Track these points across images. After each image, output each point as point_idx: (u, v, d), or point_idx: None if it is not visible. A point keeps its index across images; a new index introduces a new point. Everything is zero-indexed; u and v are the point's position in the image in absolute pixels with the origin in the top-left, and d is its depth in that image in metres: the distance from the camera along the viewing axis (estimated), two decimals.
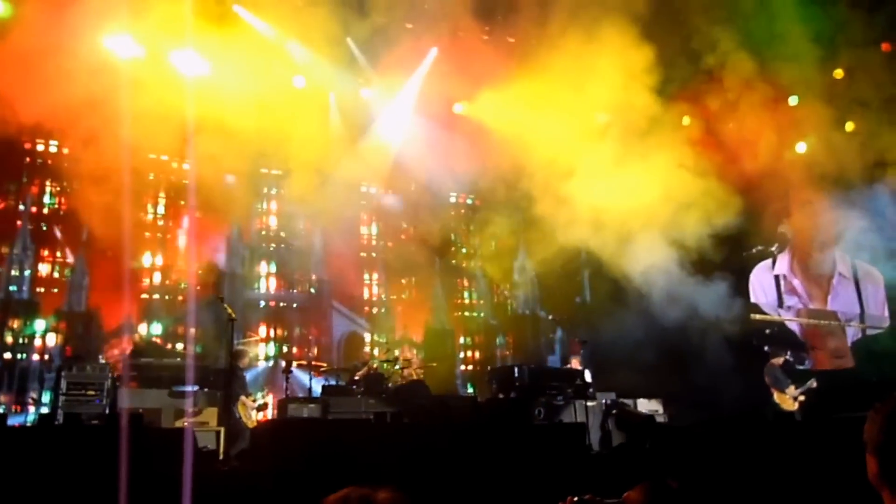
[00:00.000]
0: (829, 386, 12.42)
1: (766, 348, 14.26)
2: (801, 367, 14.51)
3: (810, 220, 15.83)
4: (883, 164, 14.07)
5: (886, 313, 16.12)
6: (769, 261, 15.98)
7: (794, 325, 15.96)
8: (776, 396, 12.44)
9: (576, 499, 2.46)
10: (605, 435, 11.16)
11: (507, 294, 17.15)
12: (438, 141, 14.38)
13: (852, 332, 16.03)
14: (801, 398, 12.19)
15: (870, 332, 15.96)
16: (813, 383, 12.31)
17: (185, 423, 9.31)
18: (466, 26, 12.75)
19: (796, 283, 16.09)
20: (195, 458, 7.83)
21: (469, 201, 17.18)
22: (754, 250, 15.48)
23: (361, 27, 13.03)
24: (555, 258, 15.46)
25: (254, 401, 10.83)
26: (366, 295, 16.05)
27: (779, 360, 12.87)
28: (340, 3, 12.17)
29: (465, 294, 17.14)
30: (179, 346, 13.63)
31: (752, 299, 15.80)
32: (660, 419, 11.14)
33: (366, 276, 16.10)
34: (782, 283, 16.01)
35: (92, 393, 9.46)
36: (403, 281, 16.28)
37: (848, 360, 15.31)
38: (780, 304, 15.89)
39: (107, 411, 9.31)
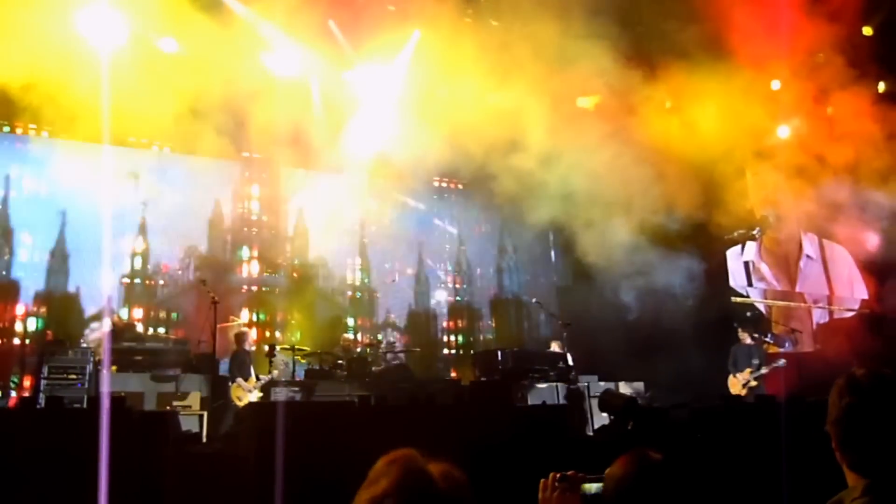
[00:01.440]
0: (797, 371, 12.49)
1: (735, 325, 14.43)
2: (774, 349, 14.61)
3: (778, 201, 15.96)
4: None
5: (858, 294, 16.23)
6: (738, 247, 16.02)
7: (763, 307, 16.08)
8: (729, 380, 12.27)
9: (559, 475, 2.47)
10: (587, 417, 11.25)
11: (491, 278, 17.19)
12: (423, 123, 14.36)
13: (818, 314, 16.16)
14: (753, 383, 11.93)
15: (839, 314, 16.11)
16: (764, 370, 12.03)
17: (170, 407, 9.28)
18: (449, 8, 12.65)
19: (764, 268, 16.20)
20: (178, 441, 7.83)
21: (451, 185, 17.15)
22: (736, 233, 15.55)
23: (343, 9, 12.93)
24: (533, 243, 15.56)
25: (255, 382, 10.80)
26: (349, 279, 16.02)
27: (745, 339, 12.65)
28: None
29: (449, 279, 17.14)
30: (161, 330, 13.59)
31: (731, 280, 15.93)
32: (642, 402, 11.23)
33: (349, 261, 16.06)
34: (751, 268, 16.11)
35: (74, 377, 9.40)
36: (387, 265, 16.26)
37: (804, 346, 15.37)
38: (749, 283, 15.99)
39: (88, 395, 9.26)
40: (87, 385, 9.48)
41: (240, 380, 10.58)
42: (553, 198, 13.69)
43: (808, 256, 16.33)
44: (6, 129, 13.47)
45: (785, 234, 16.32)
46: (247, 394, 10.50)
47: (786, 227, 16.25)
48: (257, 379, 10.74)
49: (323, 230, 15.08)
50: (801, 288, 16.21)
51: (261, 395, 10.57)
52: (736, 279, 15.90)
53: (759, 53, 13.43)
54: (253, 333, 14.57)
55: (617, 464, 2.33)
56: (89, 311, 12.96)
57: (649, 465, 2.26)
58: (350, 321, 15.53)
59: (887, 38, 14.42)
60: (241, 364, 10.83)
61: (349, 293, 15.96)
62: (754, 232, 15.83)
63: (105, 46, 11.56)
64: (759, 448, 7.74)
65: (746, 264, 15.99)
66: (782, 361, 12.39)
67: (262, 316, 14.90)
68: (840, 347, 13.35)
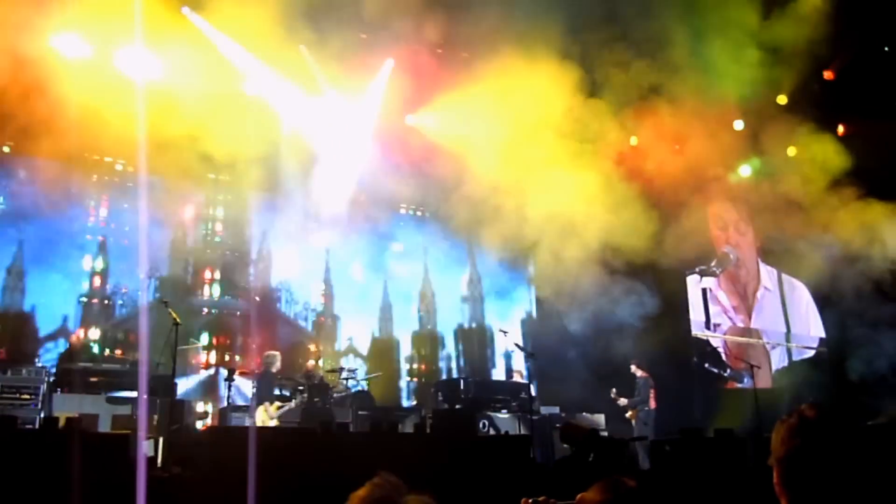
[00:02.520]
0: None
1: (706, 365, 14.58)
2: (732, 384, 14.78)
3: (738, 241, 16.27)
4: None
5: (815, 331, 16.50)
6: (697, 276, 16.24)
7: (719, 342, 16.24)
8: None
9: (530, 501, 2.48)
10: (548, 447, 11.27)
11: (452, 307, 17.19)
12: (391, 152, 14.43)
13: (779, 355, 16.34)
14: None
15: (797, 354, 16.34)
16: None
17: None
18: (421, 39, 12.78)
19: (721, 296, 16.40)
20: (133, 464, 7.66)
21: (418, 213, 17.17)
22: (697, 269, 15.79)
23: (315, 37, 12.98)
24: (500, 272, 15.64)
25: (277, 408, 10.74)
26: (312, 304, 15.90)
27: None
28: (293, 13, 12.07)
29: (412, 306, 17.09)
30: (118, 351, 13.32)
31: (691, 316, 16.09)
32: (602, 433, 11.28)
33: (312, 286, 15.95)
34: (708, 296, 16.29)
35: (27, 397, 9.17)
36: (351, 291, 16.17)
37: (763, 381, 15.57)
38: (707, 317, 16.16)
39: (42, 415, 9.03)
40: (40, 405, 9.25)
41: (266, 403, 10.57)
42: (513, 229, 13.84)
43: (765, 288, 16.60)
44: None
45: (744, 269, 16.61)
46: (269, 419, 10.48)
47: (746, 261, 16.53)
48: (279, 406, 10.79)
49: (286, 254, 14.97)
50: (756, 319, 16.43)
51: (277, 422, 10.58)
52: (694, 308, 16.05)
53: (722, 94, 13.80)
54: (212, 357, 14.40)
55: (592, 490, 2.35)
56: (45, 330, 12.68)
57: (625, 492, 2.29)
58: (312, 347, 15.38)
59: (846, 83, 14.89)
60: (268, 387, 10.78)
61: (312, 318, 15.82)
62: (715, 268, 16.08)
63: (72, 62, 11.48)
64: (716, 481, 7.82)
65: (705, 291, 16.17)
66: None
67: (222, 339, 14.70)
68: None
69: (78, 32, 11.75)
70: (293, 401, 11.03)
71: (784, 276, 16.58)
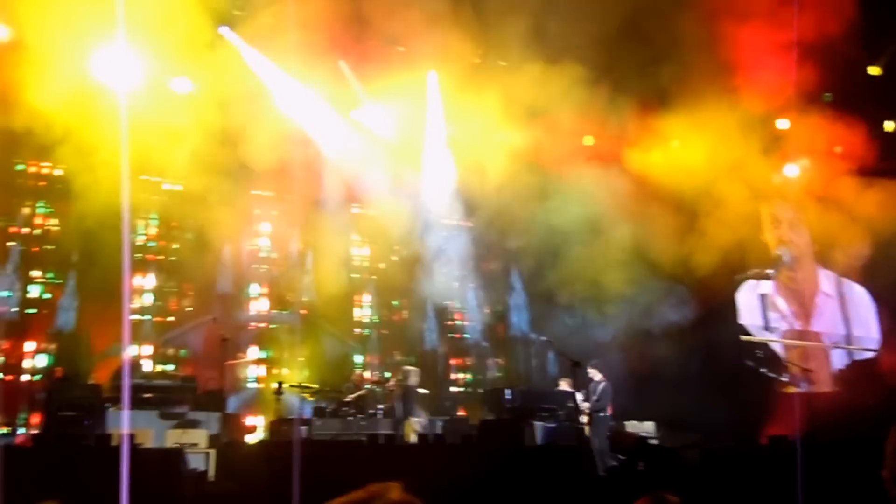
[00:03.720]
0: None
1: (760, 370, 14.30)
2: (791, 388, 14.46)
3: (793, 239, 15.93)
4: None
5: (875, 334, 16.11)
6: (754, 281, 15.94)
7: (778, 346, 15.89)
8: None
9: None
10: (598, 457, 11.15)
11: (499, 315, 17.14)
12: (428, 162, 14.53)
13: (841, 357, 15.96)
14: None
15: (859, 355, 15.93)
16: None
17: (178, 445, 9.22)
18: (459, 49, 12.83)
19: (780, 301, 16.07)
20: (185, 479, 7.80)
21: (459, 223, 17.19)
22: (749, 273, 15.52)
23: (353, 50, 13.13)
24: (545, 279, 15.56)
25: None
26: (357, 316, 16.00)
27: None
28: (331, 26, 12.22)
29: (456, 316, 17.10)
30: (170, 367, 13.56)
31: (741, 320, 15.80)
32: (652, 442, 11.14)
33: (357, 298, 16.06)
34: (766, 301, 15.97)
35: (82, 414, 9.39)
36: (395, 303, 16.24)
37: (823, 385, 15.22)
38: (766, 323, 15.84)
39: (96, 432, 9.22)
40: (95, 422, 9.45)
41: (412, 417, 10.71)
42: (556, 236, 13.84)
43: (825, 293, 16.22)
44: (21, 166, 13.57)
45: (801, 270, 16.25)
46: (414, 433, 10.65)
47: (802, 264, 16.17)
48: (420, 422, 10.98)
49: (331, 267, 15.09)
50: (816, 324, 16.06)
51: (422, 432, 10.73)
52: (752, 314, 15.74)
53: (766, 92, 13.57)
54: (262, 371, 14.57)
55: None
56: (98, 348, 12.96)
57: None
58: (358, 359, 15.47)
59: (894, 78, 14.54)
60: (409, 401, 11.08)
61: (357, 330, 15.93)
62: (768, 271, 15.77)
63: (120, 87, 11.77)
64: (772, 489, 7.66)
65: (762, 297, 15.85)
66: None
67: (270, 353, 14.86)
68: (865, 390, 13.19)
69: (121, 56, 12.04)
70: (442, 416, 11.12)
71: (843, 279, 16.20)
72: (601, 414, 11.68)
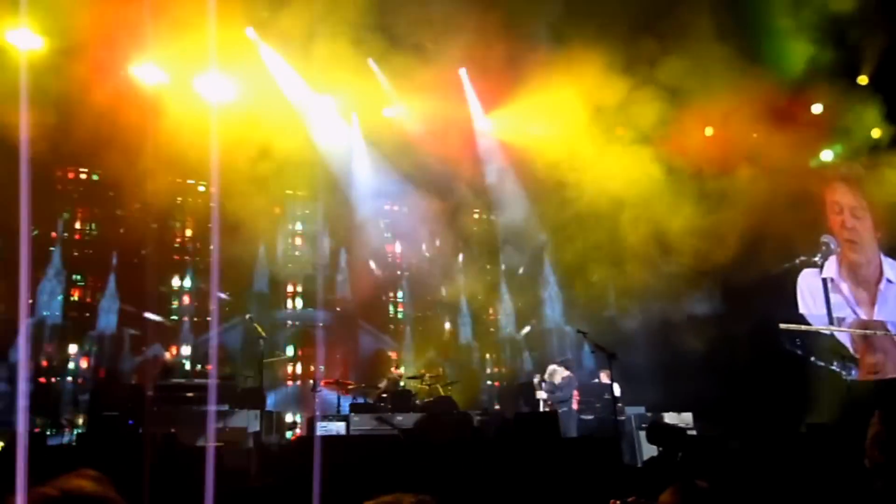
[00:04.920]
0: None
1: (798, 352, 14.10)
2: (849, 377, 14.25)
3: (855, 225, 15.62)
4: None
5: None
6: (814, 269, 15.67)
7: (843, 335, 15.58)
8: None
9: (619, 502, 2.50)
10: (635, 449, 11.10)
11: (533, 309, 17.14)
12: (461, 157, 14.54)
13: None
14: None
15: None
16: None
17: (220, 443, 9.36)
18: (487, 45, 12.80)
19: (844, 286, 15.76)
20: (227, 476, 7.91)
21: (491, 218, 17.20)
22: (797, 261, 15.28)
23: (380, 47, 13.16)
24: (580, 273, 15.51)
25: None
26: (391, 313, 16.10)
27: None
28: (358, 25, 12.26)
29: (490, 310, 17.14)
30: (209, 366, 13.77)
31: (801, 305, 15.47)
32: (691, 433, 11.04)
33: (391, 294, 16.16)
34: (830, 286, 15.67)
35: (126, 414, 9.55)
36: (429, 298, 16.31)
37: (889, 373, 14.95)
38: (829, 308, 15.53)
39: (140, 431, 9.38)
40: (138, 422, 9.61)
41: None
42: (593, 229, 13.77)
43: (888, 280, 15.92)
44: (59, 173, 13.85)
45: (864, 256, 15.95)
46: None
47: (865, 250, 15.88)
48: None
49: (365, 264, 15.21)
50: (880, 311, 15.72)
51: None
52: (814, 298, 15.47)
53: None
54: (297, 368, 14.73)
55: (667, 492, 2.35)
56: (140, 349, 13.22)
57: (696, 494, 2.28)
58: (393, 355, 15.57)
59: None
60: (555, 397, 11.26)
61: (392, 326, 16.03)
62: (815, 258, 15.52)
63: (153, 93, 11.96)
64: (808, 477, 7.57)
65: (825, 281, 15.59)
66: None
67: (306, 351, 15.03)
68: None
69: (157, 62, 12.22)
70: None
71: None
72: (565, 408, 11.65)
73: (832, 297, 15.51)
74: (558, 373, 12.32)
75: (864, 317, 15.61)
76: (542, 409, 11.70)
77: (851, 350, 15.04)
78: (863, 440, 7.67)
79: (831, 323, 15.29)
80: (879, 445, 1.95)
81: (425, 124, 14.11)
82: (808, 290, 15.49)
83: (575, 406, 12.05)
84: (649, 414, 12.09)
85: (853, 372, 14.53)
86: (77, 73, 10.82)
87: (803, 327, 15.26)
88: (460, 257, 15.75)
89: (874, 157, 14.37)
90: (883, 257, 15.86)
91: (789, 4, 13.02)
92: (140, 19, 11.25)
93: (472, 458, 7.35)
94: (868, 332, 15.38)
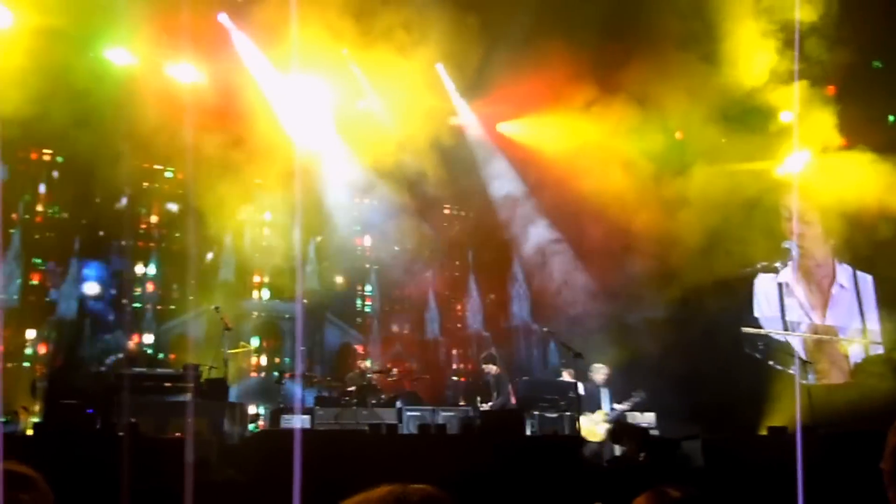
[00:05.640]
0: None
1: (757, 356, 14.31)
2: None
3: (804, 230, 15.88)
4: None
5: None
6: (769, 273, 15.91)
7: (796, 339, 15.85)
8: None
9: None
10: (599, 448, 11.16)
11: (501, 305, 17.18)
12: (432, 152, 14.52)
13: (855, 351, 15.92)
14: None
15: (873, 350, 15.91)
16: (625, 406, 11.03)
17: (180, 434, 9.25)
18: (463, 39, 12.78)
19: (798, 290, 16.05)
20: (188, 468, 7.80)
21: (459, 212, 17.21)
22: (759, 265, 15.50)
23: (357, 39, 13.08)
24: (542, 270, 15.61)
25: (605, 414, 10.87)
26: (359, 306, 16.03)
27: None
28: (335, 16, 12.16)
29: (458, 305, 17.15)
30: (172, 356, 13.58)
31: (756, 310, 15.74)
32: (653, 433, 11.14)
33: (359, 288, 16.08)
34: (784, 290, 15.95)
35: (85, 402, 9.37)
36: (397, 292, 16.27)
37: (834, 377, 15.24)
38: (783, 311, 15.81)
39: (100, 421, 9.22)
40: (98, 411, 9.44)
41: (587, 412, 10.71)
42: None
43: (840, 285, 16.22)
44: (22, 154, 13.54)
45: (814, 261, 16.22)
46: (594, 425, 10.61)
47: (817, 256, 16.15)
48: (608, 412, 10.90)
49: (333, 257, 15.11)
50: (831, 316, 16.06)
51: (609, 426, 10.65)
52: (769, 302, 15.72)
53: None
54: (262, 360, 14.59)
55: (637, 501, 2.33)
56: (100, 336, 12.99)
57: (669, 502, 2.26)
58: (359, 348, 15.50)
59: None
60: (590, 397, 11.13)
61: (359, 319, 15.96)
62: (776, 264, 15.75)
63: (122, 75, 11.74)
64: (772, 480, 7.67)
65: (780, 286, 15.84)
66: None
67: (272, 342, 14.89)
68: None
69: (126, 44, 12.00)
70: (623, 403, 11.04)
71: (859, 273, 16.20)
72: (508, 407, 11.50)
73: (786, 300, 15.79)
74: (490, 369, 12.20)
75: (816, 321, 15.93)
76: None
77: (803, 354, 15.32)
78: (824, 444, 7.77)
79: (785, 327, 15.57)
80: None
81: (398, 117, 14.06)
82: (764, 294, 15.76)
83: (513, 401, 11.84)
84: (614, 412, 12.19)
85: (810, 376, 14.78)
86: (47, 53, 10.60)
87: (763, 331, 15.50)
88: (429, 252, 15.70)
89: (832, 164, 14.61)
90: (837, 263, 16.17)
91: (756, 11, 13.17)
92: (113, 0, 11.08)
93: (440, 455, 7.33)
94: (823, 336, 15.69)
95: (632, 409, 11.09)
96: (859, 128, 14.00)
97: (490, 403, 11.62)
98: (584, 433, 10.28)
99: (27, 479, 2.01)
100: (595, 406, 11.23)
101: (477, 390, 12.83)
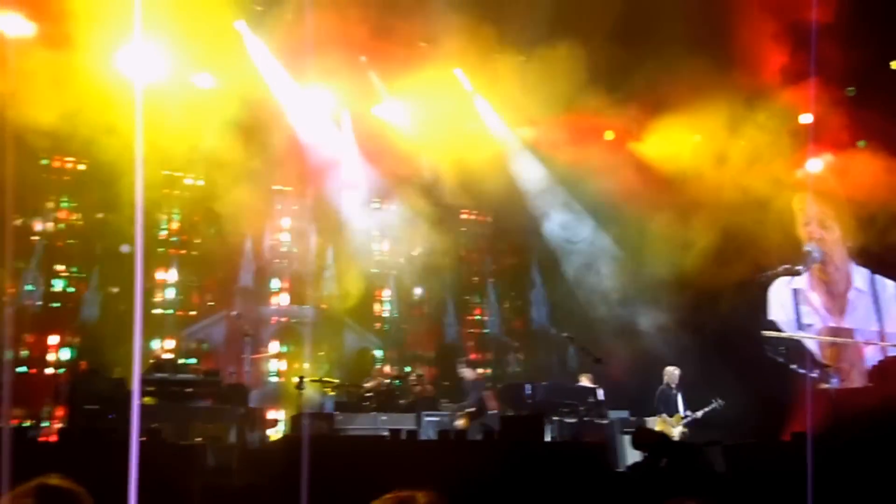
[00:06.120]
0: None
1: (790, 366, 14.17)
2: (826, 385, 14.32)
3: (823, 236, 15.73)
4: None
5: None
6: (786, 278, 15.78)
7: (812, 343, 15.70)
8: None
9: None
10: (618, 454, 11.12)
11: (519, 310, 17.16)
12: (448, 157, 14.53)
13: (873, 353, 15.75)
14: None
15: (892, 351, 15.72)
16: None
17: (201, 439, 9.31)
18: (479, 45, 12.77)
19: (813, 296, 15.90)
20: (210, 474, 7.86)
21: (478, 218, 17.20)
22: (781, 268, 15.38)
23: (374, 44, 13.12)
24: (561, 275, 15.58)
25: (681, 419, 10.88)
26: (377, 311, 16.06)
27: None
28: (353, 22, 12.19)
29: (476, 310, 17.14)
30: (192, 361, 13.66)
31: (771, 315, 15.64)
32: (675, 438, 11.08)
33: (377, 293, 16.11)
34: (799, 296, 15.80)
35: (107, 407, 9.47)
36: (415, 297, 16.27)
37: (855, 381, 15.07)
38: (798, 317, 15.67)
39: (121, 426, 9.30)
40: (120, 416, 9.53)
41: (664, 415, 10.72)
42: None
43: (857, 289, 16.04)
44: (44, 161, 13.66)
45: (833, 265, 16.06)
46: (670, 428, 10.63)
47: (835, 259, 15.99)
48: (684, 416, 10.90)
49: (352, 262, 15.14)
50: (849, 320, 15.87)
51: (685, 430, 10.67)
52: (784, 308, 15.59)
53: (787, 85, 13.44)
54: (283, 365, 14.65)
55: None
56: (123, 342, 13.07)
57: None
58: (378, 353, 15.52)
59: None
60: (666, 400, 10.95)
61: (377, 325, 15.99)
62: (798, 267, 15.60)
63: (142, 82, 11.81)
64: (794, 487, 7.60)
65: (796, 292, 15.69)
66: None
67: (291, 348, 14.95)
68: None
69: (146, 52, 12.09)
70: (700, 411, 11.03)
71: (876, 276, 16.01)
72: (486, 414, 11.42)
73: (802, 307, 15.65)
74: (465, 374, 12.14)
75: (832, 325, 15.77)
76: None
77: (819, 357, 15.18)
78: (849, 450, 7.67)
79: (800, 330, 15.43)
80: None
81: (416, 123, 14.10)
82: (779, 299, 15.64)
83: (495, 407, 11.73)
84: (633, 418, 12.11)
85: (834, 380, 14.62)
86: (63, 60, 10.70)
87: (785, 334, 15.36)
88: (447, 257, 15.70)
89: (849, 166, 14.48)
90: (852, 266, 16.00)
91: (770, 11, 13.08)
92: (128, 5, 11.14)
93: (460, 462, 7.32)
94: (838, 340, 15.53)
95: (707, 416, 11.01)
96: (877, 129, 13.86)
97: (464, 407, 11.58)
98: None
99: (73, 496, 2.00)
100: (672, 409, 11.09)
101: (449, 394, 12.86)
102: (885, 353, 15.63)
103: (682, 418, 10.83)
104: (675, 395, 11.42)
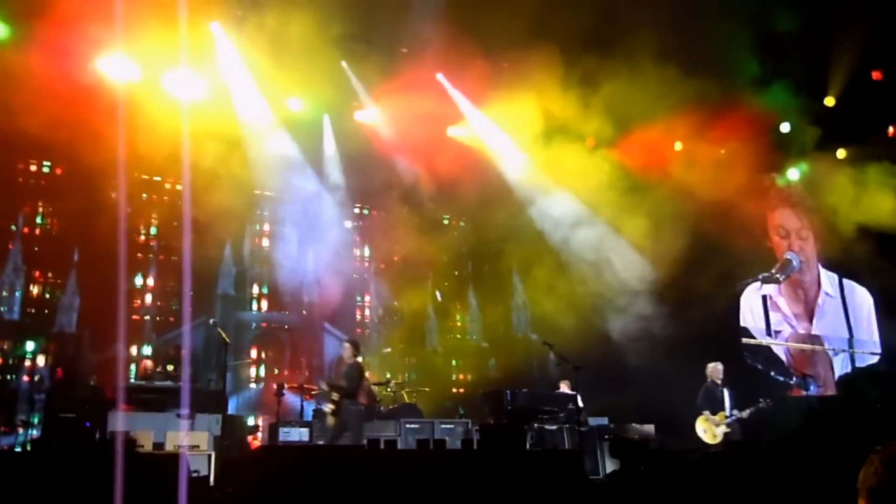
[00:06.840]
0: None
1: (758, 366, 14.27)
2: (798, 391, 14.43)
3: (802, 247, 15.92)
4: None
5: (877, 337, 16.09)
6: (758, 283, 15.92)
7: (781, 350, 15.85)
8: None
9: None
10: (597, 461, 11.14)
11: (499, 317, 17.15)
12: (432, 164, 14.52)
13: (841, 360, 15.92)
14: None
15: (860, 360, 15.90)
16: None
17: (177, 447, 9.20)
18: (462, 51, 12.80)
19: (781, 302, 16.07)
20: (188, 483, 7.76)
21: (456, 222, 17.20)
22: (761, 276, 15.51)
23: (356, 50, 13.11)
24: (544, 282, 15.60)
25: (725, 417, 10.78)
26: (358, 317, 16.01)
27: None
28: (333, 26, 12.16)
29: (457, 316, 17.13)
30: (170, 367, 13.53)
31: (742, 322, 15.79)
32: (652, 445, 11.11)
33: (358, 298, 16.07)
34: (768, 303, 15.95)
35: (83, 416, 9.35)
36: (396, 303, 16.25)
37: (826, 388, 15.23)
38: (768, 324, 15.82)
39: (98, 434, 9.19)
40: (95, 424, 9.41)
41: (707, 413, 10.64)
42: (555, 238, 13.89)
43: (826, 294, 16.21)
44: (21, 166, 13.52)
45: (809, 275, 16.24)
46: (713, 427, 10.52)
47: (811, 269, 16.16)
48: (729, 416, 10.79)
49: (332, 268, 15.09)
50: (818, 325, 16.04)
51: (728, 430, 10.60)
52: (754, 315, 15.73)
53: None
54: (261, 371, 14.56)
55: None
56: (98, 348, 12.94)
57: None
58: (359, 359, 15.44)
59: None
60: (711, 397, 10.96)
61: (358, 330, 15.94)
62: (777, 275, 15.74)
63: (120, 87, 11.74)
64: (772, 495, 7.65)
65: (764, 298, 15.84)
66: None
67: (270, 353, 14.87)
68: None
69: (125, 55, 11.99)
70: (746, 411, 10.95)
71: (845, 280, 16.18)
72: (352, 407, 9.98)
73: (771, 314, 15.81)
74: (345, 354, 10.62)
75: (801, 331, 15.93)
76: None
77: (791, 365, 15.32)
78: (825, 458, 7.73)
79: (769, 335, 15.59)
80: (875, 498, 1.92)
81: (397, 128, 14.09)
82: (749, 307, 15.81)
83: (362, 401, 10.53)
84: (612, 425, 12.14)
85: (812, 387, 14.73)
86: (40, 64, 10.60)
87: (764, 341, 15.50)
88: (428, 263, 15.69)
89: (825, 174, 14.65)
90: (821, 270, 16.19)
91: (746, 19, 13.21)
92: (110, 11, 11.05)
93: (439, 471, 7.29)
94: (807, 347, 15.68)
95: (752, 417, 10.97)
96: (854, 138, 14.06)
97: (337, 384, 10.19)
98: (700, 432, 10.58)
99: None
100: (718, 406, 11.02)
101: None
102: (854, 360, 15.84)
103: (727, 417, 10.80)
104: (722, 392, 11.26)
